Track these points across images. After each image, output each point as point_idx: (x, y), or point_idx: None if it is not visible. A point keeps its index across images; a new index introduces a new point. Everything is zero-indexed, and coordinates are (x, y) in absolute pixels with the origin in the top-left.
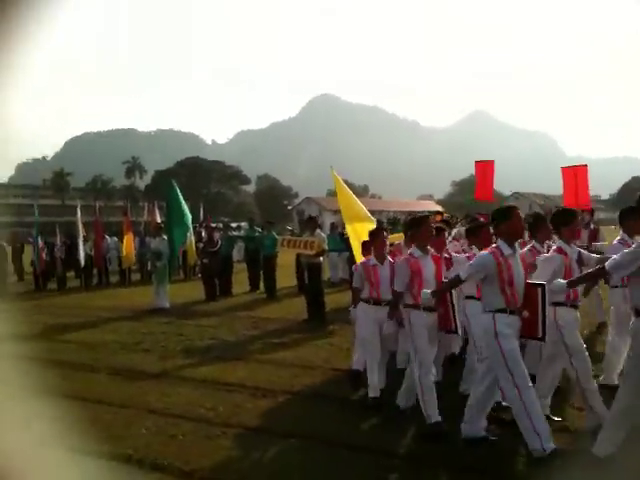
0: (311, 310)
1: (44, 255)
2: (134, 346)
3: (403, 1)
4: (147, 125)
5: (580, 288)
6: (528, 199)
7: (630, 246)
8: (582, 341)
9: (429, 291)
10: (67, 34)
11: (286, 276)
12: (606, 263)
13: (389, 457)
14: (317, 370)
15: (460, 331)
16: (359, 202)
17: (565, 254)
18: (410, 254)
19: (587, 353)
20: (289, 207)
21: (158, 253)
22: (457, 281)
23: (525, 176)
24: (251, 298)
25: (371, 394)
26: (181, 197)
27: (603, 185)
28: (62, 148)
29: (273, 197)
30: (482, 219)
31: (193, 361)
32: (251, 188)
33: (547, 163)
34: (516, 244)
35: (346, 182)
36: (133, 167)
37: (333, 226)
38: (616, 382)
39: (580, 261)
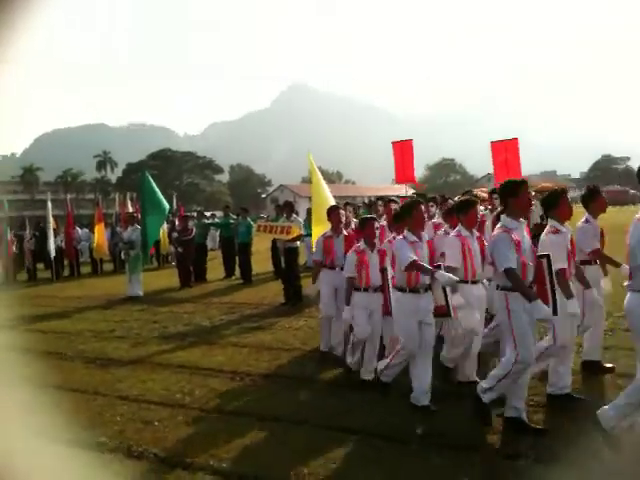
0: (288, 294)
1: (13, 248)
2: (107, 334)
3: None
4: (118, 120)
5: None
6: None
7: (595, 226)
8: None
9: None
10: (37, 30)
11: (261, 262)
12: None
13: (372, 437)
14: (295, 352)
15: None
16: (327, 189)
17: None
18: (458, 233)
19: None
20: (263, 195)
21: (131, 242)
22: (514, 272)
23: None
24: (226, 284)
25: (383, 379)
26: (155, 186)
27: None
28: (31, 144)
29: (247, 185)
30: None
31: (168, 347)
32: (224, 178)
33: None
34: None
35: (320, 169)
36: (104, 161)
37: (309, 212)
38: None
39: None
